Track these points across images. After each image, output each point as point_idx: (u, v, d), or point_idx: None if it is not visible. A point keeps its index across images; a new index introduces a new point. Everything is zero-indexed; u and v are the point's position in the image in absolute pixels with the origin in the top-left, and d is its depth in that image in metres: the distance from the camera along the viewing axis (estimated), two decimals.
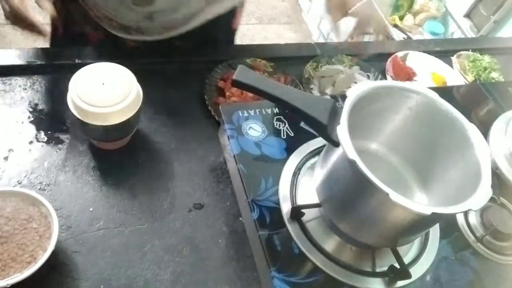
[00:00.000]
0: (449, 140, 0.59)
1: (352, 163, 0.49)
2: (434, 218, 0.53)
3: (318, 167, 0.62)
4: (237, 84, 0.59)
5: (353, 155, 0.49)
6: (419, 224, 0.55)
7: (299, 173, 0.68)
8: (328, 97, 0.83)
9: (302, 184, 0.67)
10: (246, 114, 0.74)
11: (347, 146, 0.50)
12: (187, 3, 0.81)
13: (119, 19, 0.80)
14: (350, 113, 0.54)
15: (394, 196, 0.47)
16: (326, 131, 0.56)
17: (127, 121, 0.67)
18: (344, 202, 0.58)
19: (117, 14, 0.80)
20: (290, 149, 0.71)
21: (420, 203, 0.50)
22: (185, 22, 0.84)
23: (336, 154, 0.56)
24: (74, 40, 0.89)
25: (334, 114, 0.57)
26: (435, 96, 0.60)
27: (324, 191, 0.60)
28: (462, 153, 0.57)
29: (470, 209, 0.49)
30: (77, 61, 0.83)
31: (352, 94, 0.56)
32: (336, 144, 0.54)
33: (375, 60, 1.04)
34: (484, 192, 0.51)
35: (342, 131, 0.51)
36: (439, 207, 0.49)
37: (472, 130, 0.57)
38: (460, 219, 0.71)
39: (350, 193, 0.56)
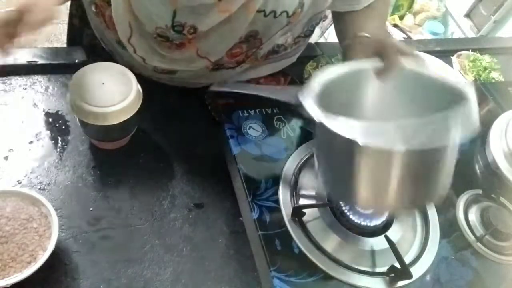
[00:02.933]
0: (433, 95, 0.56)
1: (320, 125, 0.49)
2: (414, 159, 0.49)
3: (315, 163, 0.60)
4: (214, 94, 0.60)
5: (317, 114, 0.49)
6: (412, 169, 0.50)
7: (299, 173, 0.68)
8: None
9: (302, 184, 0.67)
10: (246, 114, 0.74)
11: (310, 107, 0.50)
12: (209, 76, 0.80)
13: (142, 72, 0.81)
14: (322, 97, 0.53)
15: (363, 140, 0.45)
16: (296, 110, 0.56)
17: (127, 121, 0.67)
18: (335, 172, 0.56)
19: (139, 69, 0.80)
20: (290, 149, 0.71)
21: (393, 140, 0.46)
22: (205, 85, 0.85)
23: (317, 133, 0.55)
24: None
25: None
26: (407, 64, 0.59)
27: (320, 172, 0.59)
28: (449, 100, 0.53)
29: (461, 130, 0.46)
30: (77, 61, 0.83)
31: (318, 79, 0.55)
32: (306, 117, 0.53)
33: None
34: (468, 108, 0.49)
35: (305, 96, 0.52)
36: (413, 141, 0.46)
37: (447, 75, 0.55)
38: (460, 219, 0.71)
39: (334, 160, 0.55)
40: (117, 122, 0.66)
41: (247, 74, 0.85)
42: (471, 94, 0.52)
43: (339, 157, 0.53)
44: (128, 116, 0.66)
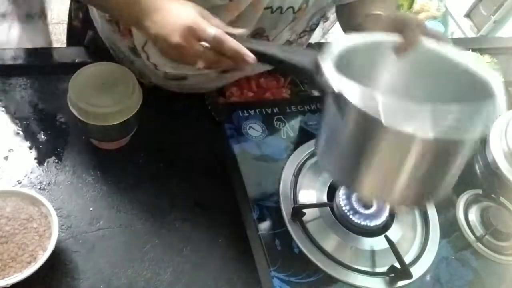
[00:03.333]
0: (455, 81, 0.53)
1: (339, 96, 0.44)
2: (440, 149, 0.45)
3: (319, 134, 0.57)
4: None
5: (338, 83, 0.44)
6: (427, 161, 0.47)
7: (299, 173, 0.68)
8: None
9: (302, 184, 0.67)
10: (246, 114, 0.74)
11: (330, 76, 0.45)
12: (219, 78, 0.80)
13: (151, 79, 0.80)
14: (338, 67, 0.48)
15: (387, 119, 0.41)
16: (312, 77, 0.51)
17: (127, 121, 0.67)
18: (344, 152, 0.51)
19: (149, 76, 0.80)
20: (290, 149, 0.71)
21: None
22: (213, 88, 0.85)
23: (328, 103, 0.51)
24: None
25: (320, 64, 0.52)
26: (427, 43, 0.55)
27: (326, 151, 0.54)
28: (472, 90, 0.51)
29: (485, 126, 0.44)
30: (77, 61, 0.83)
31: (338, 45, 0.51)
32: (323, 86, 0.48)
33: None
34: (496, 105, 0.45)
35: (325, 62, 0.47)
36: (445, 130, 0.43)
37: (474, 64, 0.52)
38: (460, 218, 0.71)
39: (347, 139, 0.50)
40: (117, 122, 0.66)
41: (254, 70, 0.85)
42: (499, 89, 0.49)
43: (353, 134, 0.48)
44: (128, 116, 0.67)
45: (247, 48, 0.54)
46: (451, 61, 0.54)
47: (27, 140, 0.72)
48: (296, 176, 0.68)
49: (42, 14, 0.92)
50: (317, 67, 0.50)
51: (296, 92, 0.89)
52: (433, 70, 0.54)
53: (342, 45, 0.51)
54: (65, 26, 1.00)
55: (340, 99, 0.45)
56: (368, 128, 0.45)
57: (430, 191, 0.52)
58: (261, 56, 0.54)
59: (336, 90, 0.44)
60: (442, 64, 0.54)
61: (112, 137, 0.71)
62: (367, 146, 0.48)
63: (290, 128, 0.74)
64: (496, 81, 0.49)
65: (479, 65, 0.51)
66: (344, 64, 0.49)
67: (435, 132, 0.42)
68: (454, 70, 0.53)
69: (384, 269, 0.62)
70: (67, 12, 0.96)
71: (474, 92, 0.50)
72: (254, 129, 0.72)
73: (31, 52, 0.83)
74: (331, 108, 0.50)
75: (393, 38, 0.56)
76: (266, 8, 0.66)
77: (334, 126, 0.51)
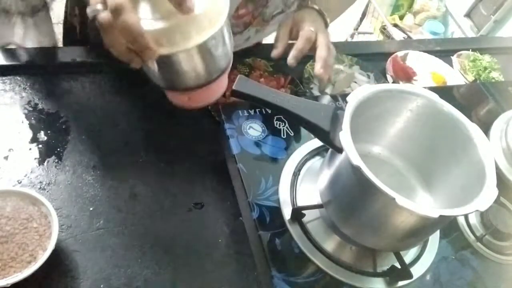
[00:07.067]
0: (452, 141, 0.59)
1: (357, 169, 0.49)
2: (440, 220, 0.52)
3: (322, 170, 0.62)
4: (236, 94, 0.59)
5: (357, 161, 0.49)
6: (425, 227, 0.55)
7: (299, 173, 0.68)
8: (328, 96, 0.83)
9: (302, 184, 0.67)
10: (246, 114, 0.74)
11: (350, 152, 0.50)
12: None
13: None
14: (352, 118, 0.54)
15: (401, 200, 0.47)
16: (328, 137, 0.56)
17: (213, 40, 0.44)
18: (348, 206, 0.57)
19: None
20: (290, 149, 0.71)
21: (426, 206, 0.49)
22: None
23: (340, 159, 0.56)
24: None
25: (336, 119, 0.57)
26: (435, 97, 0.60)
27: (328, 195, 0.60)
28: (465, 153, 0.57)
29: (477, 210, 0.49)
30: (77, 60, 0.83)
31: (353, 99, 0.56)
32: (339, 150, 0.54)
33: (375, 60, 1.04)
34: (490, 192, 0.51)
35: (345, 137, 0.51)
36: (446, 209, 0.49)
37: (474, 130, 0.57)
38: (460, 218, 0.71)
39: (354, 198, 0.56)
40: (194, 44, 0.43)
41: (253, 39, 0.85)
42: (478, 132, 0.57)
43: (363, 198, 0.54)
44: (216, 30, 0.43)
45: (264, 101, 0.58)
46: (447, 115, 0.60)
47: (27, 140, 0.72)
48: (296, 176, 0.68)
49: (45, 6, 0.91)
50: (334, 130, 0.55)
51: (296, 92, 0.89)
52: (433, 121, 0.61)
53: (356, 100, 0.56)
54: None
55: (357, 170, 0.49)
56: (379, 196, 0.50)
57: (407, 244, 0.60)
58: (278, 109, 0.58)
59: (354, 164, 0.49)
60: (440, 117, 0.60)
61: (193, 79, 0.46)
62: (370, 206, 0.54)
63: (290, 128, 0.74)
64: (475, 128, 0.57)
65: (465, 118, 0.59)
66: (359, 113, 0.55)
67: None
68: (447, 123, 0.59)
69: (384, 269, 0.62)
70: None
71: (462, 140, 0.58)
72: (254, 129, 0.72)
73: (31, 52, 0.83)
74: (344, 165, 0.55)
75: (401, 86, 0.62)
76: None
77: (343, 177, 0.56)
